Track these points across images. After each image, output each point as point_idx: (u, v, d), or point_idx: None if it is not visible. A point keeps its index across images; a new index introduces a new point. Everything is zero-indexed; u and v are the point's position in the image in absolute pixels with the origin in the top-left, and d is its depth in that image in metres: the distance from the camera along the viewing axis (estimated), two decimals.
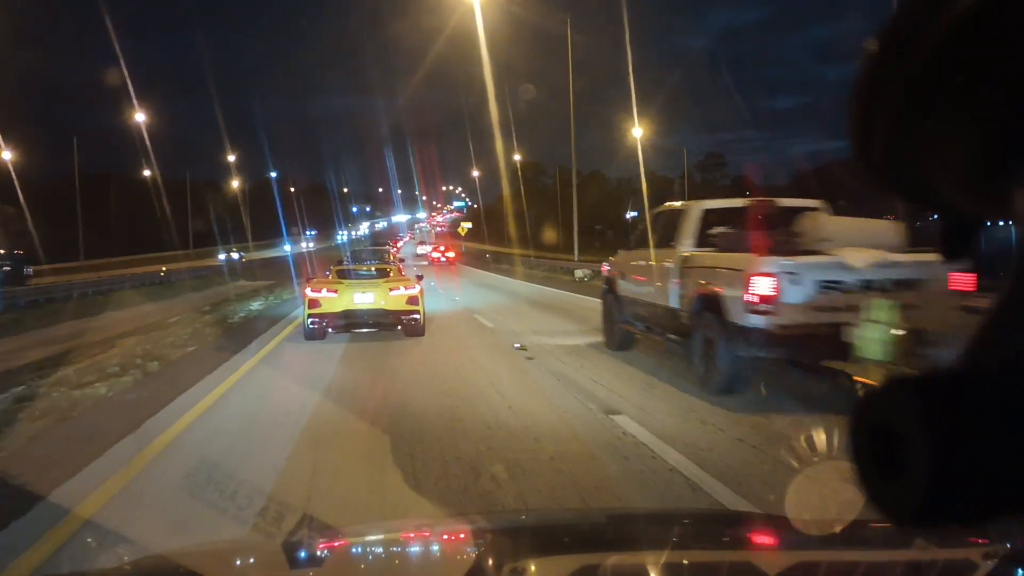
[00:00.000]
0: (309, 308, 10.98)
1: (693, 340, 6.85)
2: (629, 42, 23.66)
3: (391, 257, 18.47)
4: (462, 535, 2.16)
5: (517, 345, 10.13)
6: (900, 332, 5.24)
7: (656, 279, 7.83)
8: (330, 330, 11.06)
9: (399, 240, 61.72)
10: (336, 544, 2.10)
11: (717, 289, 6.42)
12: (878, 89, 0.47)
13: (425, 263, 40.77)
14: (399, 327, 11.14)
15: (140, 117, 40.85)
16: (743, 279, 5.96)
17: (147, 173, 53.12)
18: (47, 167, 49.95)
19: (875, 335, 5.32)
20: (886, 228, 6.42)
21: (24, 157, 44.71)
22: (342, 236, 78.04)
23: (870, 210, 8.45)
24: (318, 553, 1.96)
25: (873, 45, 0.46)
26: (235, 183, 64.37)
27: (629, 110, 27.46)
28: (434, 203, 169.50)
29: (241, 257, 49.19)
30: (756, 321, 5.85)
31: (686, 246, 7.35)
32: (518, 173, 51.47)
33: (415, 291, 11.29)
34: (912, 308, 5.45)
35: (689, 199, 10.09)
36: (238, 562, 1.97)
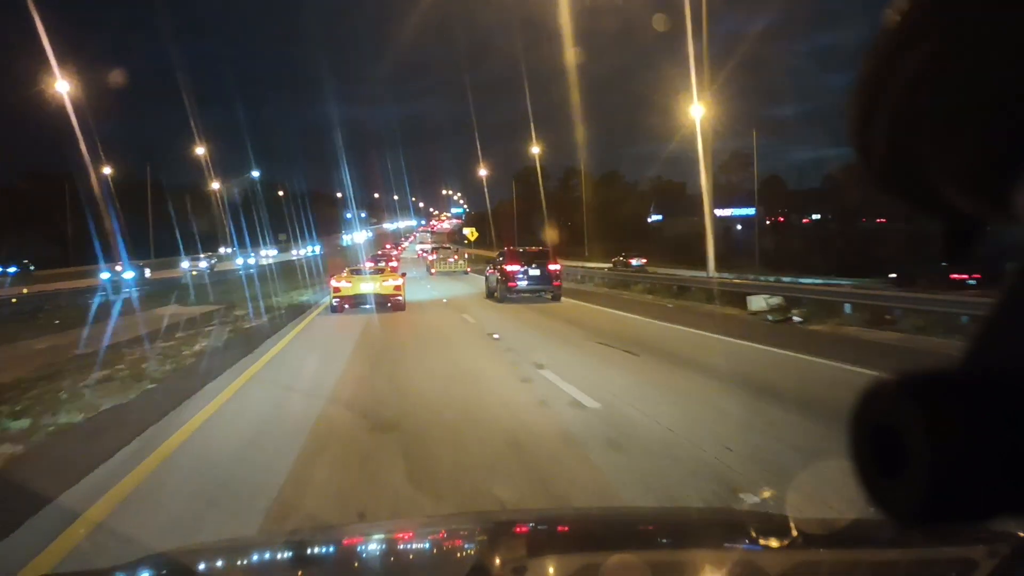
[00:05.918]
0: (333, 293, 18.42)
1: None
2: (635, 43, 23.26)
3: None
4: (462, 535, 2.16)
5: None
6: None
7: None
8: (346, 307, 18.15)
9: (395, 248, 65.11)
10: (337, 544, 2.10)
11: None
12: (879, 90, 0.47)
13: (416, 257, 66.43)
14: (389, 304, 18.41)
15: (65, 94, 34.60)
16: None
17: (107, 171, 48.02)
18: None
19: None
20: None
21: None
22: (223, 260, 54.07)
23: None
24: (319, 552, 1.96)
25: (890, 18, 0.45)
26: (215, 185, 60.36)
27: (636, 113, 25.78)
28: (431, 210, 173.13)
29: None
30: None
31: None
32: (539, 176, 51.87)
33: (400, 282, 18.82)
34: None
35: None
36: (239, 561, 1.97)
